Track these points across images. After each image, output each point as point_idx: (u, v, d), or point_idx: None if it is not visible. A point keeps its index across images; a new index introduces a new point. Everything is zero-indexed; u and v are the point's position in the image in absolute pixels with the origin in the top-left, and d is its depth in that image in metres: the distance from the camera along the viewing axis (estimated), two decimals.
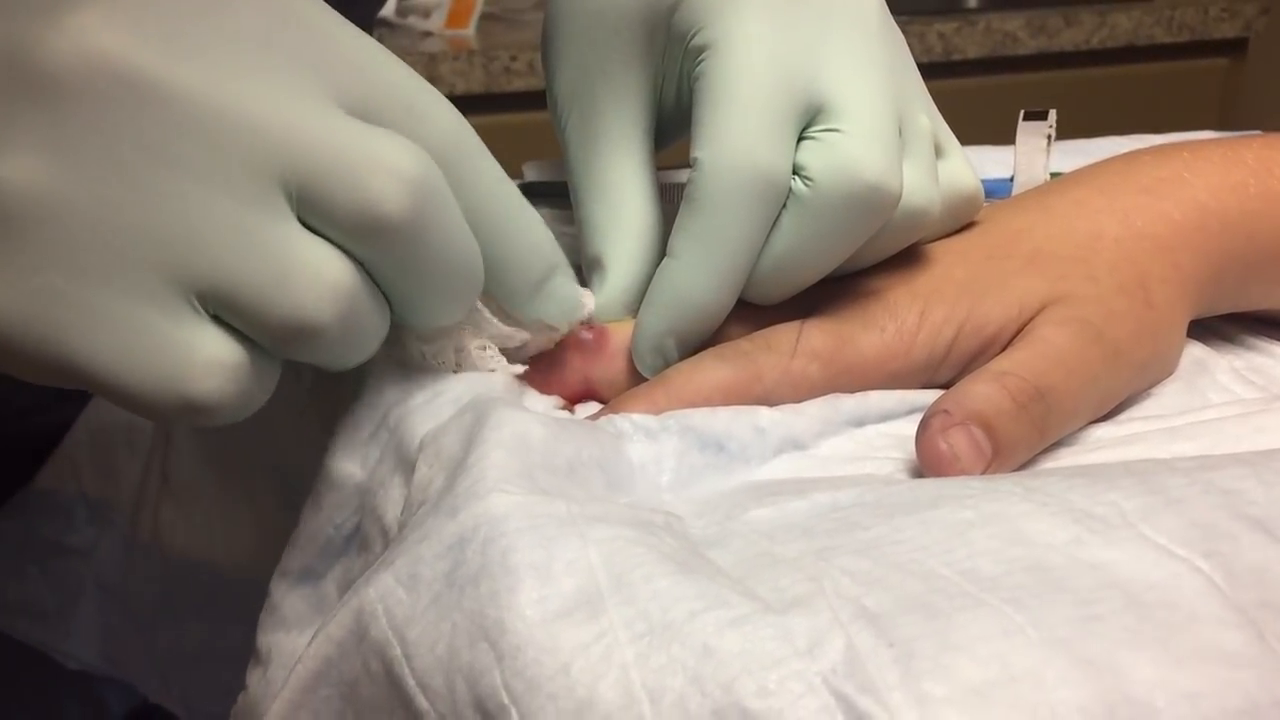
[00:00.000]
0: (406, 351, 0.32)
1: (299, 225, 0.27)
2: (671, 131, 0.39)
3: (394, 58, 0.29)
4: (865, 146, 0.32)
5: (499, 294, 0.32)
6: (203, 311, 0.27)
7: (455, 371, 0.32)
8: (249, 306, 0.26)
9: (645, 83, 0.36)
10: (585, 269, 0.37)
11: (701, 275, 0.33)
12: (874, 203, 0.32)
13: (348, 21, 0.29)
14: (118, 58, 0.25)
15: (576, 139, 0.37)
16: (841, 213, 0.32)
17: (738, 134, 0.32)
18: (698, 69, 0.34)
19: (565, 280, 0.33)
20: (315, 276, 0.27)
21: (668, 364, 0.34)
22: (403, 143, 0.27)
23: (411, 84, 0.29)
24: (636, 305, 0.36)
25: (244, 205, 0.26)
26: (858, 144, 0.32)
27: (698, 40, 0.34)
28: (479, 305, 0.32)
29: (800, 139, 0.33)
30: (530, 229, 0.32)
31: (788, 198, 0.33)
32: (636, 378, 0.35)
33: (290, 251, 0.26)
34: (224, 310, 0.27)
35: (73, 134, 0.25)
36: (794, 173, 0.33)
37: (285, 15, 0.28)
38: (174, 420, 0.27)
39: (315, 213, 0.27)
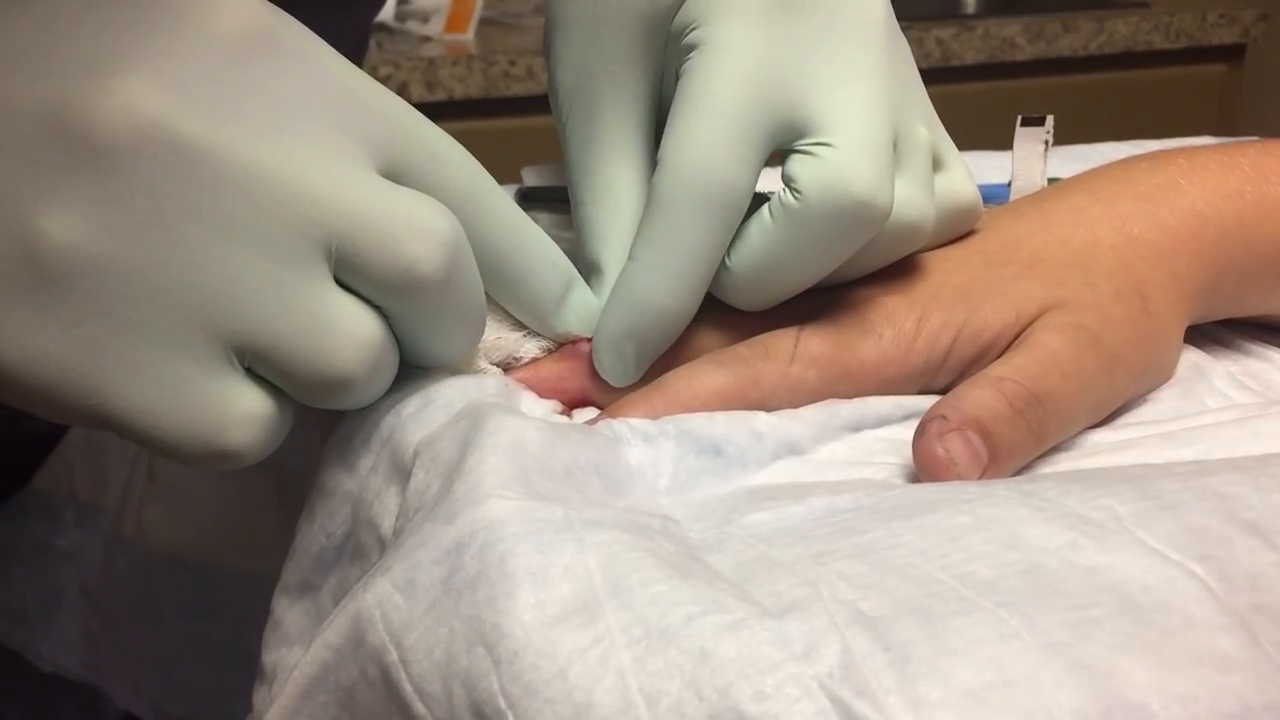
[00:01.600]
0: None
1: (334, 284, 0.28)
2: None
3: (413, 110, 0.31)
4: (855, 161, 0.32)
5: (526, 317, 0.34)
6: (239, 366, 0.28)
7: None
8: (286, 362, 0.28)
9: (647, 82, 0.36)
10: (584, 271, 0.37)
11: (658, 280, 0.33)
12: (862, 217, 0.32)
13: (371, 79, 0.30)
14: (164, 122, 0.26)
15: (577, 139, 0.37)
16: (829, 226, 0.32)
17: (702, 139, 0.32)
18: (683, 67, 0.34)
19: (583, 291, 0.35)
20: (349, 334, 0.28)
21: (625, 369, 0.34)
22: (435, 206, 0.29)
23: (432, 134, 0.31)
24: None
25: (285, 266, 0.27)
26: (848, 158, 0.32)
27: (690, 39, 0.34)
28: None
29: (792, 151, 0.33)
30: (545, 249, 0.34)
31: (778, 209, 0.33)
32: (635, 385, 0.35)
33: (327, 310, 0.28)
34: (259, 364, 0.28)
35: (119, 194, 0.26)
36: (786, 183, 0.33)
37: (320, 77, 0.29)
38: (202, 466, 0.28)
39: (353, 273, 0.28)
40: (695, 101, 0.33)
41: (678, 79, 0.34)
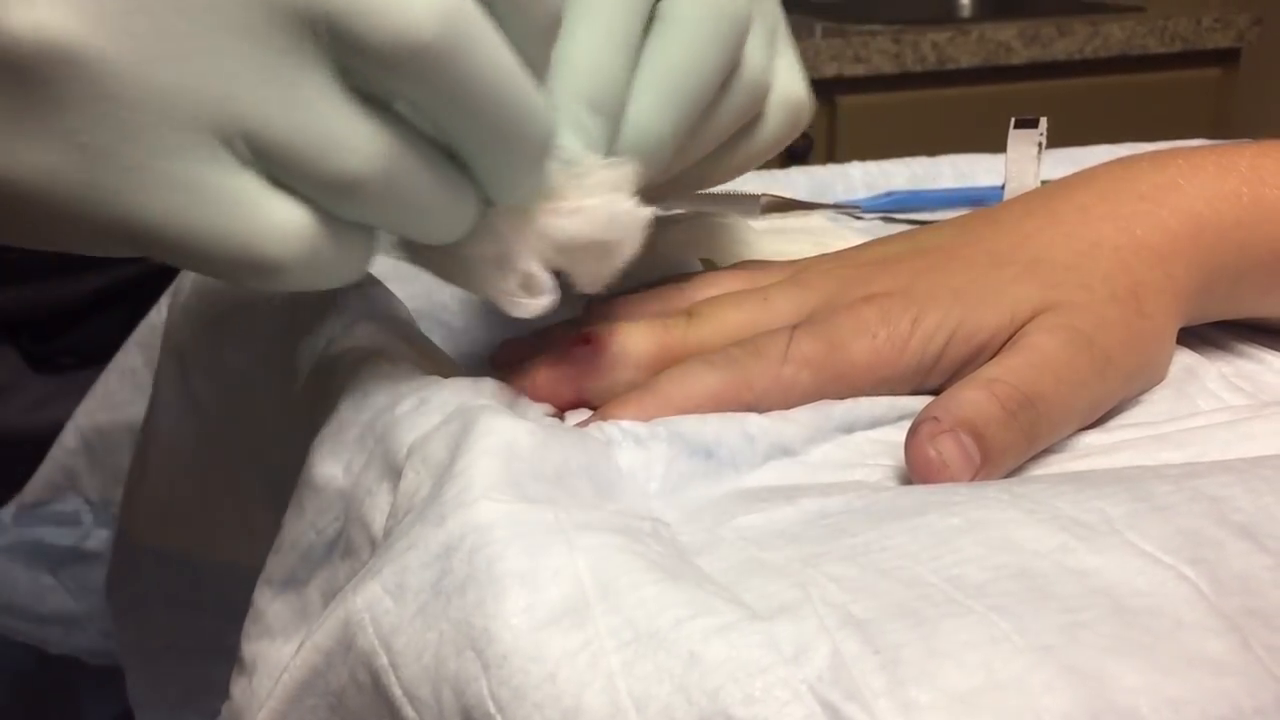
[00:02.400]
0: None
1: (336, 82, 0.26)
2: None
3: None
4: None
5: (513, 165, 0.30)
6: (260, 172, 0.27)
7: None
8: (297, 161, 0.26)
9: None
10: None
11: (587, 37, 0.32)
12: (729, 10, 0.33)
13: None
14: None
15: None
16: (706, 33, 0.33)
17: None
18: None
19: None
20: (356, 133, 0.27)
21: (587, 136, 0.32)
22: None
23: None
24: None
25: (278, 54, 0.26)
26: None
27: None
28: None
29: None
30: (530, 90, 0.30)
31: (658, 20, 0.33)
32: (630, 388, 0.35)
33: (329, 105, 0.26)
34: (278, 170, 0.27)
35: None
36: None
37: None
38: (248, 281, 0.28)
39: (350, 51, 0.26)
40: None
41: None
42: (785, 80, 0.38)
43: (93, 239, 0.27)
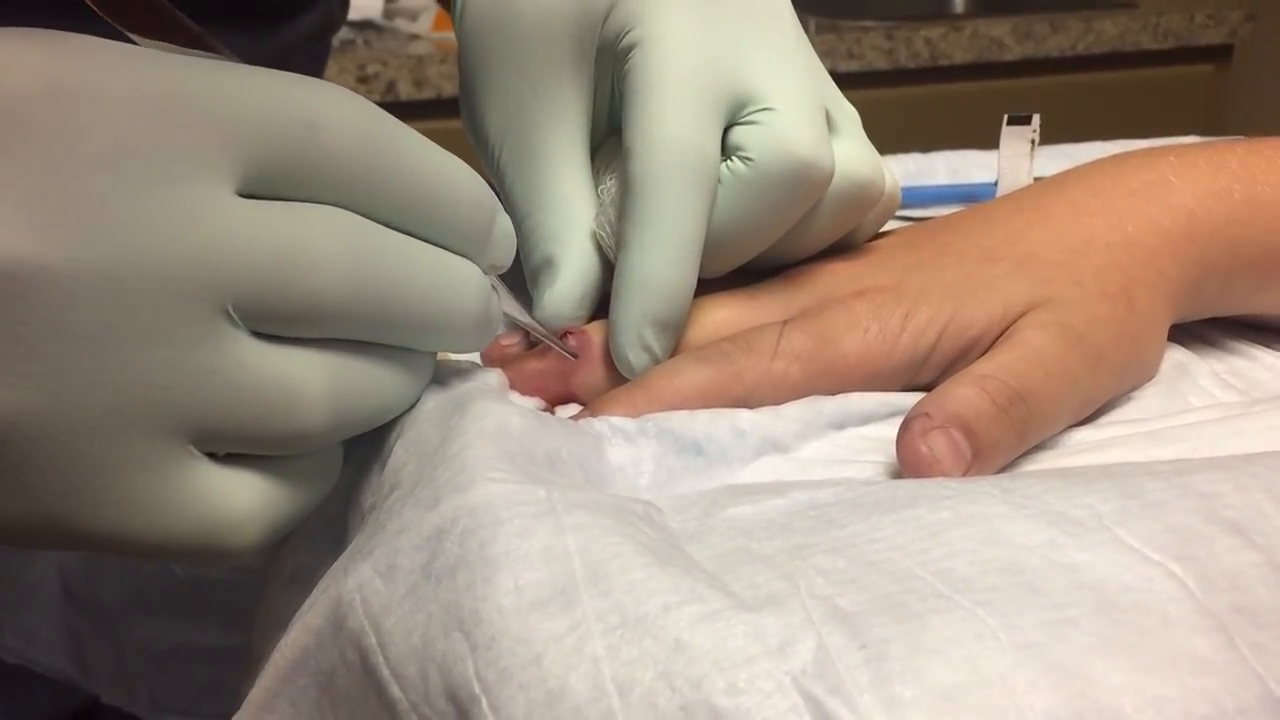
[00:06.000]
0: None
1: (254, 344, 0.26)
2: (604, 139, 0.40)
3: (283, 81, 0.27)
4: (797, 125, 0.34)
5: (463, 250, 0.31)
6: (209, 452, 0.27)
7: None
8: (243, 434, 0.26)
9: (580, 97, 0.37)
10: (534, 273, 0.37)
11: (658, 256, 0.34)
12: (808, 177, 0.34)
13: (226, 66, 0.27)
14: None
15: (513, 163, 0.38)
16: (780, 187, 0.34)
17: (670, 116, 0.34)
18: (627, 65, 0.35)
19: (504, 219, 0.32)
20: (281, 385, 0.27)
21: (650, 355, 0.34)
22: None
23: (307, 101, 0.27)
24: (591, 301, 0.36)
25: (196, 347, 0.25)
26: (791, 123, 0.34)
27: (628, 40, 0.35)
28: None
29: (735, 124, 0.35)
30: (464, 181, 0.30)
31: (728, 176, 0.34)
32: (618, 382, 0.35)
33: (251, 373, 0.26)
34: (227, 447, 0.27)
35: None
36: (733, 153, 0.34)
37: (147, 106, 0.25)
38: (215, 565, 0.28)
39: (261, 320, 0.26)
40: (655, 86, 0.34)
41: (619, 79, 0.36)
42: (842, 162, 0.37)
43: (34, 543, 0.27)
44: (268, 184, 0.26)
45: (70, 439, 0.25)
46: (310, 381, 0.27)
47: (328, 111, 0.27)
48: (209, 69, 0.26)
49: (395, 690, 0.24)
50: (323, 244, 0.26)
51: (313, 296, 0.26)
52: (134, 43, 0.30)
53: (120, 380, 0.25)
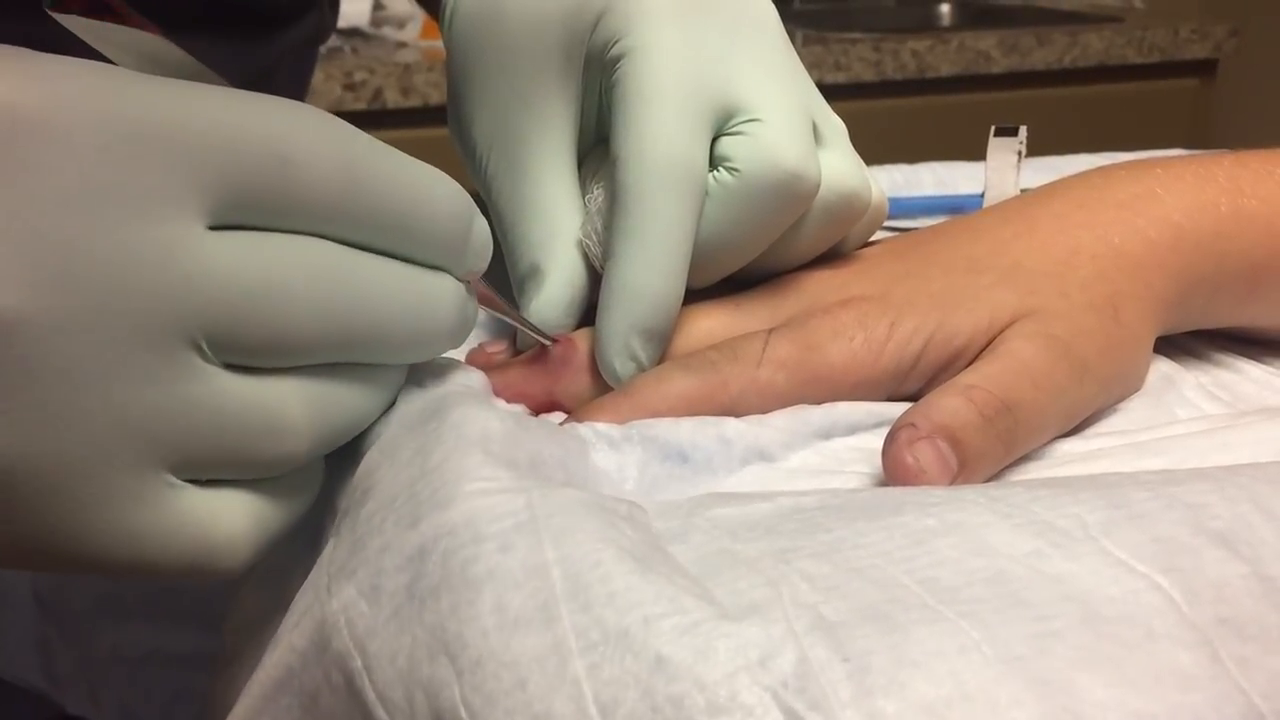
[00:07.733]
0: None
1: (229, 375, 0.26)
2: (591, 148, 0.40)
3: (256, 110, 0.26)
4: (785, 136, 0.34)
5: (440, 262, 0.31)
6: (195, 480, 0.26)
7: None
8: (228, 460, 0.26)
9: (568, 106, 0.37)
10: (520, 281, 0.37)
11: (645, 266, 0.34)
12: (795, 189, 0.34)
13: (203, 95, 0.26)
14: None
15: (501, 172, 0.38)
16: (766, 198, 0.34)
17: (657, 127, 0.34)
18: (615, 75, 0.35)
19: (482, 223, 0.31)
20: (262, 412, 0.27)
21: (637, 364, 0.34)
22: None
23: (280, 132, 0.26)
24: (578, 309, 0.36)
25: (176, 379, 0.25)
26: (778, 134, 0.34)
27: (616, 50, 0.35)
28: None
29: (723, 135, 0.35)
30: (442, 191, 0.30)
31: (715, 187, 0.35)
32: (603, 390, 0.35)
33: (227, 399, 0.26)
34: (212, 473, 0.27)
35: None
36: (720, 164, 0.35)
37: (117, 139, 0.24)
38: (203, 579, 0.28)
39: (231, 354, 0.26)
40: (643, 96, 0.34)
41: (608, 89, 0.36)
42: (828, 174, 0.37)
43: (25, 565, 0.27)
44: (240, 215, 0.26)
45: (51, 476, 0.25)
46: (288, 407, 0.27)
47: (300, 142, 0.27)
48: (179, 97, 0.25)
49: (381, 714, 0.23)
50: (293, 278, 0.26)
51: (284, 331, 0.26)
52: (99, 56, 0.29)
53: (97, 418, 0.25)
